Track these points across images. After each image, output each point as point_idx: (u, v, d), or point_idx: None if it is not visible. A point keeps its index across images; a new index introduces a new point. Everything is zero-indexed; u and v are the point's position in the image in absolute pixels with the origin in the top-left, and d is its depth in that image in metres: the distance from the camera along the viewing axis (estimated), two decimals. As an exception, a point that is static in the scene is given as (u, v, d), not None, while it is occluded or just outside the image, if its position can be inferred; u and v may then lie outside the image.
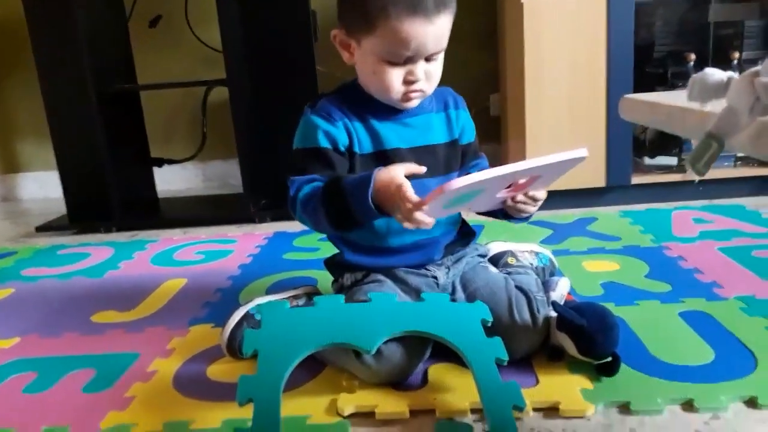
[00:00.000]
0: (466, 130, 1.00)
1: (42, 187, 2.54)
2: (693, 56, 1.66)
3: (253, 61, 1.86)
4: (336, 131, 0.89)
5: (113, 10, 1.99)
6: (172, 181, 2.47)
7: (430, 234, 0.93)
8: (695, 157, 0.39)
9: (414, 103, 0.90)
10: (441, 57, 0.88)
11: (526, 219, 0.93)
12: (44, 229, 1.91)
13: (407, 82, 0.86)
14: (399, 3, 0.79)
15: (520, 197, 0.86)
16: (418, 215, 0.74)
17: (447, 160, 0.96)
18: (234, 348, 0.94)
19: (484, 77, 2.31)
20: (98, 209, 1.90)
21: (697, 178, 0.40)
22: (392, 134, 0.92)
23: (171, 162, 2.19)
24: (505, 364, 0.76)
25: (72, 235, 1.87)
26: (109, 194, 1.87)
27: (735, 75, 0.43)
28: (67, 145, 1.91)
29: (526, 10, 1.59)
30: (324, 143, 0.89)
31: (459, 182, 0.69)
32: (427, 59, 0.86)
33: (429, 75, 0.87)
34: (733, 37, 1.71)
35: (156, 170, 2.18)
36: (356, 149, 0.91)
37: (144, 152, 2.13)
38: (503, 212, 0.92)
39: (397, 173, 0.78)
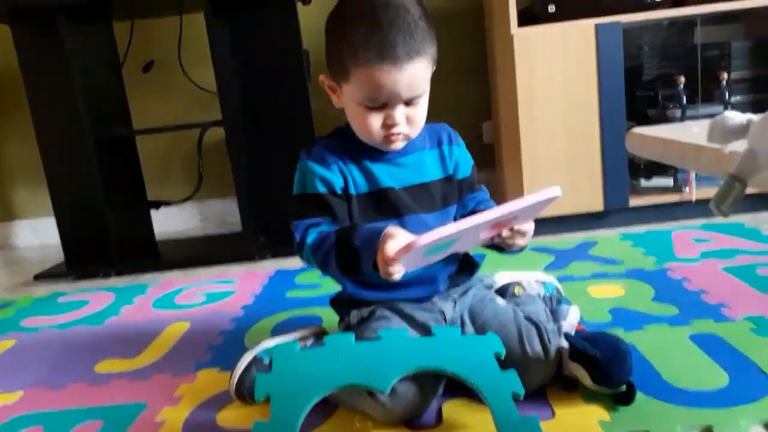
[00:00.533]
0: (461, 165, 1.00)
1: (38, 235, 2.53)
2: (682, 79, 1.68)
3: (247, 101, 1.88)
4: (331, 175, 0.91)
5: (107, 56, 2.01)
6: (169, 222, 2.46)
7: (429, 268, 0.93)
8: (720, 199, 0.39)
9: (397, 146, 0.91)
10: (423, 100, 0.88)
11: (518, 251, 0.93)
12: (43, 276, 1.89)
13: (386, 126, 0.87)
14: (369, 50, 0.81)
15: (505, 233, 0.86)
16: (389, 269, 0.76)
17: (443, 195, 0.97)
18: (243, 393, 0.93)
19: (476, 105, 2.33)
20: (96, 254, 1.89)
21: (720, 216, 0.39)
22: (385, 174, 0.93)
23: (168, 204, 2.18)
24: (522, 398, 0.75)
25: (71, 282, 1.85)
26: (107, 239, 1.86)
27: (754, 117, 0.43)
28: (63, 190, 1.91)
29: (517, 41, 1.62)
30: (321, 188, 0.91)
31: (426, 238, 0.71)
32: (407, 103, 0.86)
33: (410, 119, 0.88)
34: (720, 58, 1.74)
35: (153, 212, 2.17)
36: (352, 191, 0.92)
37: (141, 195, 2.12)
38: (495, 245, 0.92)
39: (400, 232, 0.78)
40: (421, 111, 0.89)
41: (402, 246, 0.74)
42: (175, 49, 2.13)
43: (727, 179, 0.38)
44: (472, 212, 0.97)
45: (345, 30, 0.83)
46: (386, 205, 0.92)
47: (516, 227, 0.85)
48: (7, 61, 2.03)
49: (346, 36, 0.82)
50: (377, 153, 0.92)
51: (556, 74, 1.63)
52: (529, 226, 0.87)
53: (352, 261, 0.82)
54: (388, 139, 0.88)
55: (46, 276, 1.89)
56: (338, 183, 0.91)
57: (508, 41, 1.65)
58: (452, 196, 0.99)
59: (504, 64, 1.80)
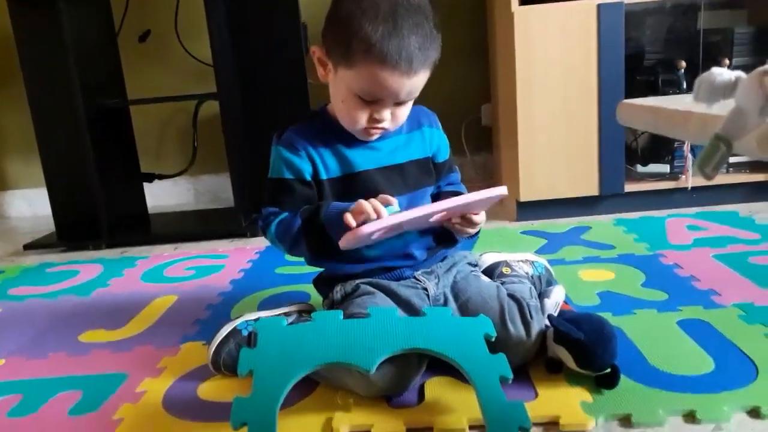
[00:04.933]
0: (441, 148, 1.02)
1: (30, 205, 2.51)
2: (683, 63, 1.66)
3: (243, 74, 1.85)
4: (299, 161, 0.92)
5: (102, 26, 1.98)
6: (162, 196, 2.45)
7: (403, 243, 0.95)
8: (703, 161, 0.38)
9: (374, 138, 0.92)
10: (412, 101, 0.90)
11: (470, 238, 0.96)
12: (32, 247, 1.88)
13: (372, 119, 0.88)
14: (384, 52, 0.80)
15: (456, 220, 0.90)
16: (344, 240, 0.81)
17: (416, 177, 0.97)
18: (219, 364, 0.93)
19: (475, 88, 2.31)
20: (87, 226, 1.88)
21: (705, 181, 0.38)
22: (359, 157, 0.94)
23: (162, 177, 2.17)
24: (510, 382, 0.74)
25: (60, 253, 1.84)
26: (99, 211, 1.85)
27: (743, 75, 0.41)
28: (55, 161, 1.90)
29: (517, 19, 1.59)
30: (287, 174, 0.92)
31: (371, 227, 0.78)
32: (397, 103, 0.87)
33: (395, 116, 0.89)
34: (722, 44, 1.72)
35: (146, 186, 2.16)
36: (322, 176, 0.93)
37: (134, 168, 2.10)
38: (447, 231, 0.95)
39: (361, 202, 0.82)
40: (406, 110, 0.90)
41: (348, 233, 0.79)
42: (171, 19, 2.10)
43: (711, 140, 0.37)
44: (438, 195, 1.01)
45: (362, 21, 0.80)
46: (359, 189, 0.93)
47: (468, 215, 0.90)
48: (2, 31, 1.99)
49: (362, 28, 0.80)
50: (353, 137, 0.93)
51: (555, 54, 1.61)
52: (480, 218, 0.91)
53: (322, 237, 0.86)
54: (368, 131, 0.90)
55: (35, 246, 1.88)
56: (306, 169, 0.92)
57: (509, 19, 1.62)
58: (428, 177, 1.00)
59: (504, 43, 1.77)
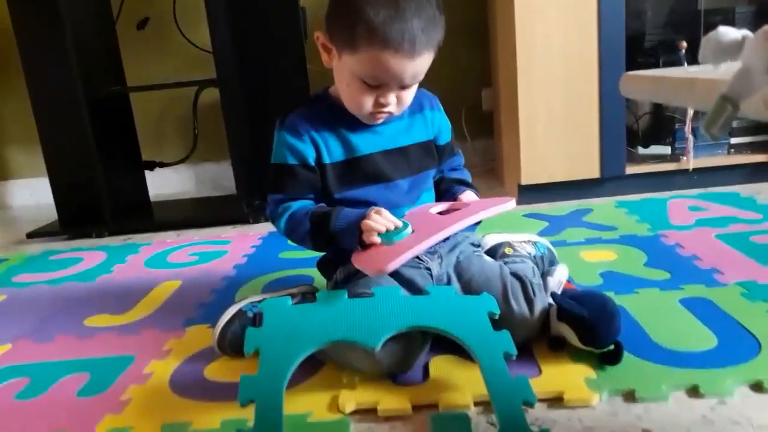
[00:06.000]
0: (443, 131, 1.02)
1: (34, 194, 2.51)
2: (684, 44, 1.65)
3: (243, 60, 1.84)
4: (302, 146, 0.92)
5: (100, 13, 1.97)
6: (164, 184, 2.45)
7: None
8: (710, 121, 0.38)
9: (379, 122, 0.93)
10: (416, 85, 0.90)
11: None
12: (35, 235, 1.88)
13: (377, 104, 0.88)
14: (386, 36, 0.79)
15: None
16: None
17: (419, 160, 0.98)
18: (224, 344, 0.94)
19: (475, 72, 2.30)
20: (90, 214, 1.88)
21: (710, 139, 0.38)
22: (363, 141, 0.94)
23: (163, 165, 2.17)
24: (514, 358, 0.75)
25: (64, 241, 1.84)
26: (101, 199, 1.85)
27: (750, 33, 0.41)
28: (56, 150, 1.89)
29: (517, 2, 1.58)
30: (291, 160, 0.93)
31: (396, 263, 0.80)
32: (402, 87, 0.87)
33: (401, 99, 0.89)
34: (723, 23, 1.70)
35: (148, 174, 2.16)
36: (326, 160, 0.93)
37: (135, 156, 2.10)
38: None
39: (371, 221, 0.84)
40: (411, 93, 0.91)
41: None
42: (170, 6, 2.09)
43: (717, 100, 0.36)
44: (440, 180, 1.03)
45: (364, 6, 0.80)
46: (362, 173, 0.94)
47: None
48: (1, 20, 1.99)
49: (364, 12, 0.80)
50: (356, 120, 0.93)
51: (556, 37, 1.60)
52: None
53: (330, 242, 0.89)
54: (373, 115, 0.90)
55: (38, 234, 1.88)
56: (310, 154, 0.92)
57: (509, 3, 1.61)
58: (430, 160, 1.00)
59: (504, 27, 1.77)
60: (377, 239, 0.83)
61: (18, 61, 1.82)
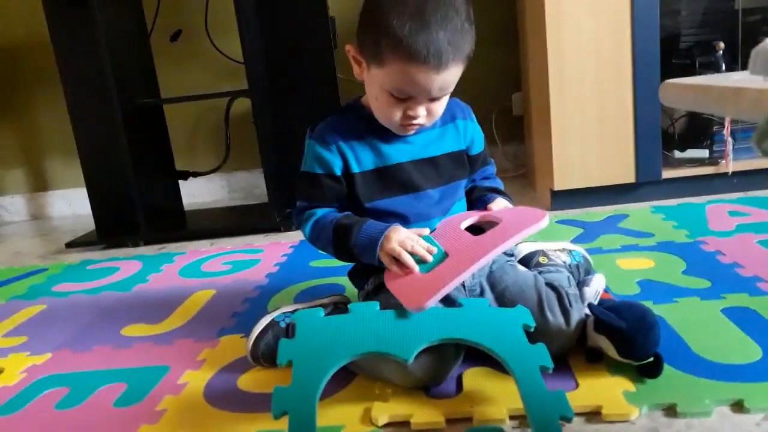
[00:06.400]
0: (476, 140, 1.01)
1: (71, 204, 2.58)
2: (722, 45, 1.61)
3: (274, 70, 1.87)
4: (330, 155, 0.92)
5: (135, 26, 2.01)
6: (198, 193, 2.49)
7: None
8: (761, 136, 0.36)
9: (410, 133, 0.92)
10: (447, 96, 0.89)
11: None
12: (73, 245, 1.93)
13: (406, 116, 0.87)
14: (412, 48, 0.78)
15: None
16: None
17: (450, 170, 0.97)
18: (258, 355, 0.94)
19: (505, 76, 2.28)
20: (126, 224, 1.92)
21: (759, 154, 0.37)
22: (393, 151, 0.93)
23: (196, 174, 2.20)
24: (550, 372, 0.73)
25: (101, 250, 1.88)
26: (136, 209, 1.89)
27: None
28: (93, 161, 1.94)
29: (548, 6, 1.56)
30: (318, 169, 0.93)
31: (432, 302, 0.79)
32: (431, 99, 0.86)
33: (431, 111, 0.88)
34: (762, 23, 1.66)
35: (182, 183, 2.19)
36: (354, 169, 0.93)
37: (169, 165, 2.14)
38: None
39: (398, 245, 0.85)
40: (442, 105, 0.89)
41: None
42: (202, 18, 2.12)
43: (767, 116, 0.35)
44: (473, 189, 1.02)
45: (389, 17, 0.79)
46: (392, 182, 0.93)
47: None
48: (39, 33, 2.04)
49: (390, 25, 0.79)
50: (387, 130, 0.92)
51: (588, 42, 1.58)
52: None
53: (353, 256, 0.91)
54: (404, 127, 0.89)
55: (77, 244, 1.93)
56: (337, 164, 0.92)
57: (539, 7, 1.60)
58: (462, 170, 0.99)
59: (534, 32, 1.75)
60: (398, 269, 0.85)
61: (56, 74, 1.87)
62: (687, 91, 0.49)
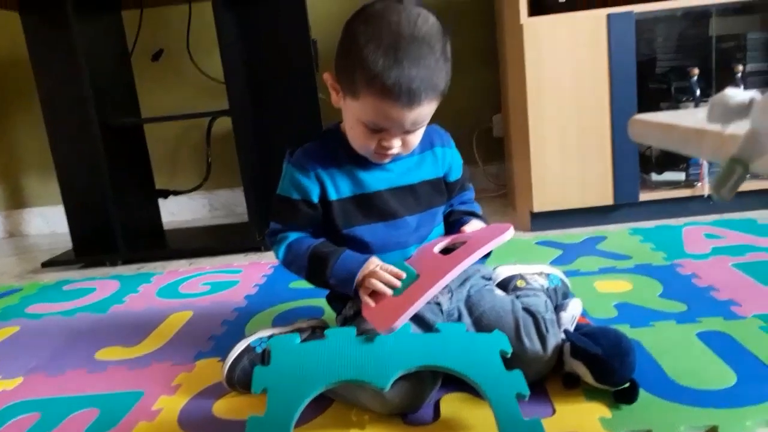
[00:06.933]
0: (454, 167, 1.01)
1: (49, 223, 2.54)
2: (696, 71, 1.65)
3: (255, 90, 1.87)
4: (307, 182, 0.92)
5: (116, 45, 2.00)
6: (179, 211, 2.47)
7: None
8: (720, 182, 0.37)
9: (385, 162, 0.92)
10: (422, 128, 0.89)
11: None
12: (50, 264, 1.90)
13: (381, 146, 0.87)
14: (385, 84, 0.78)
15: None
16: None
17: (428, 197, 0.97)
18: (233, 381, 0.93)
19: (485, 98, 2.31)
20: (104, 243, 1.89)
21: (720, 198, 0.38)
22: (371, 178, 0.93)
23: (177, 193, 2.18)
24: (527, 399, 0.74)
25: (78, 270, 1.86)
26: (115, 227, 1.86)
27: (757, 96, 0.40)
28: (72, 179, 1.92)
29: (526, 31, 1.59)
30: (295, 195, 0.93)
31: (400, 323, 0.80)
32: (406, 131, 0.86)
33: (405, 142, 0.88)
34: (735, 50, 1.70)
35: (162, 201, 2.17)
36: (332, 196, 0.92)
37: (149, 184, 2.12)
38: None
39: (374, 280, 0.86)
40: (417, 136, 0.89)
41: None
42: (183, 37, 2.13)
43: (727, 162, 0.36)
44: (450, 213, 1.03)
45: (364, 51, 0.79)
46: (370, 210, 0.93)
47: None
48: (18, 50, 2.03)
49: (364, 59, 0.79)
50: (365, 158, 0.92)
51: (566, 65, 1.60)
52: None
53: (327, 284, 0.92)
54: (379, 155, 0.89)
55: (53, 263, 1.90)
56: (314, 191, 0.92)
57: (518, 31, 1.62)
58: (439, 197, 0.99)
59: (513, 55, 1.77)
60: (372, 302, 0.85)
61: (34, 92, 1.86)
62: (653, 128, 0.50)
